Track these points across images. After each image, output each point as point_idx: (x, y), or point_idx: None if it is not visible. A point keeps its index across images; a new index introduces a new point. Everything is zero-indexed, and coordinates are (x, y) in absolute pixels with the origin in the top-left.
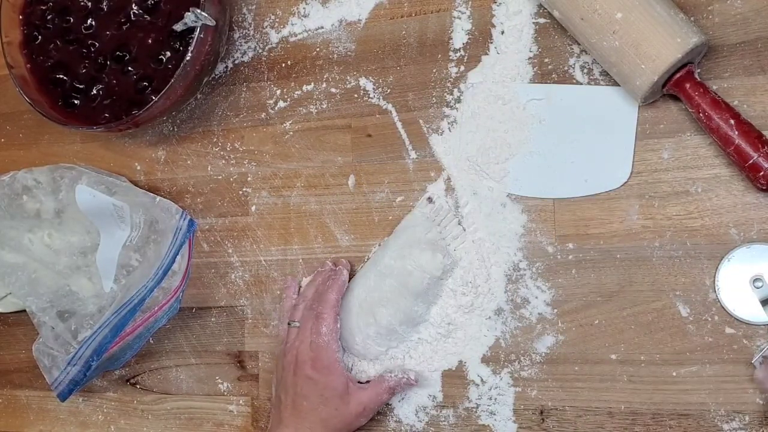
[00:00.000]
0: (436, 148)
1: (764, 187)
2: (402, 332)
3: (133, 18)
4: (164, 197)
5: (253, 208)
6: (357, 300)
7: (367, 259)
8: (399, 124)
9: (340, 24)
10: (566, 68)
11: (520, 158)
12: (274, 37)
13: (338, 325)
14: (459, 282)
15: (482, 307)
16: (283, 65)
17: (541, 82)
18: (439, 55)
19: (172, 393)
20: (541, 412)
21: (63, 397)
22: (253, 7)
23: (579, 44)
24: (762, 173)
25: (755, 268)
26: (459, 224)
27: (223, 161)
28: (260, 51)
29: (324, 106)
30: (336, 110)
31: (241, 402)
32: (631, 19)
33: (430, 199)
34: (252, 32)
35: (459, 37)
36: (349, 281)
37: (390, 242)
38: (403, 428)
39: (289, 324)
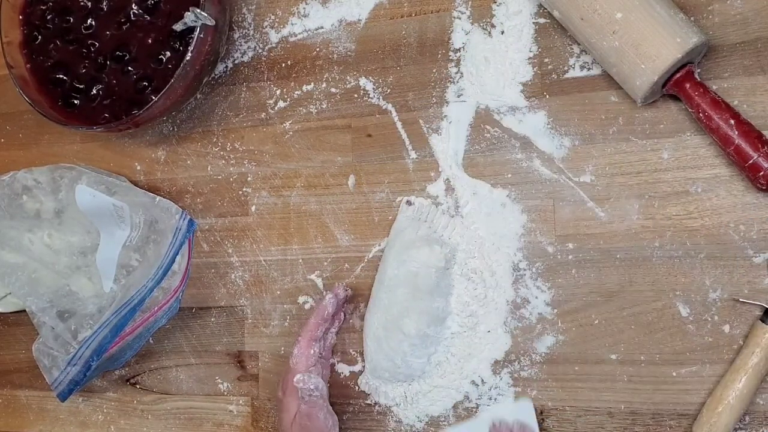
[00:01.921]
0: (436, 148)
1: (764, 187)
2: (433, 333)
3: (133, 18)
4: (164, 197)
5: (253, 208)
6: (379, 324)
7: (367, 260)
8: (399, 124)
9: (340, 24)
10: (566, 68)
11: None
12: (273, 37)
13: (312, 351)
14: (466, 268)
15: (495, 300)
16: (283, 65)
17: (541, 82)
18: (439, 55)
19: (171, 393)
20: (541, 412)
21: (63, 397)
22: (253, 7)
23: (579, 44)
24: (762, 173)
25: None
26: (444, 213)
27: (223, 161)
28: (260, 51)
29: (324, 106)
30: (336, 110)
31: (241, 402)
32: (631, 19)
33: (408, 202)
34: (252, 32)
35: (459, 37)
36: (362, 307)
37: (386, 255)
38: (403, 428)
39: None
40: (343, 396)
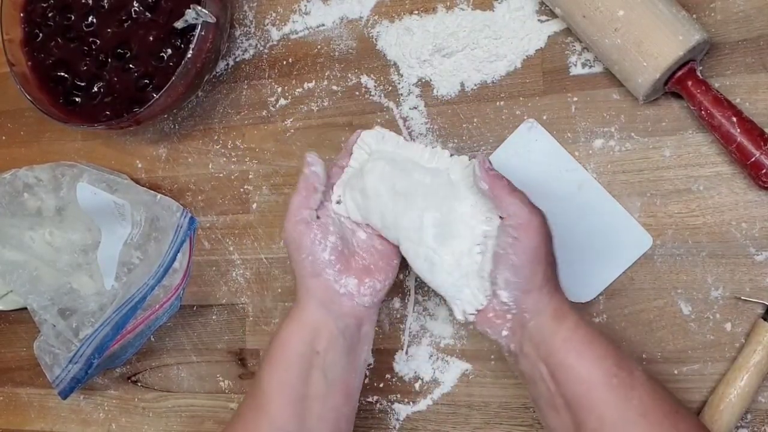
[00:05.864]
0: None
1: (766, 185)
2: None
3: (134, 15)
4: (165, 195)
5: (254, 205)
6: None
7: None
8: (400, 122)
9: (341, 21)
10: (568, 65)
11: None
12: (275, 34)
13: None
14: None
15: None
16: (285, 63)
17: (543, 80)
18: None
19: (173, 391)
20: None
21: (64, 395)
22: (255, 4)
23: (580, 42)
24: (764, 171)
25: None
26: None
27: (224, 159)
28: (261, 48)
29: (325, 104)
30: (337, 108)
31: (242, 400)
32: (632, 17)
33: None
34: (253, 30)
35: None
36: None
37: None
38: (404, 427)
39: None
40: None
